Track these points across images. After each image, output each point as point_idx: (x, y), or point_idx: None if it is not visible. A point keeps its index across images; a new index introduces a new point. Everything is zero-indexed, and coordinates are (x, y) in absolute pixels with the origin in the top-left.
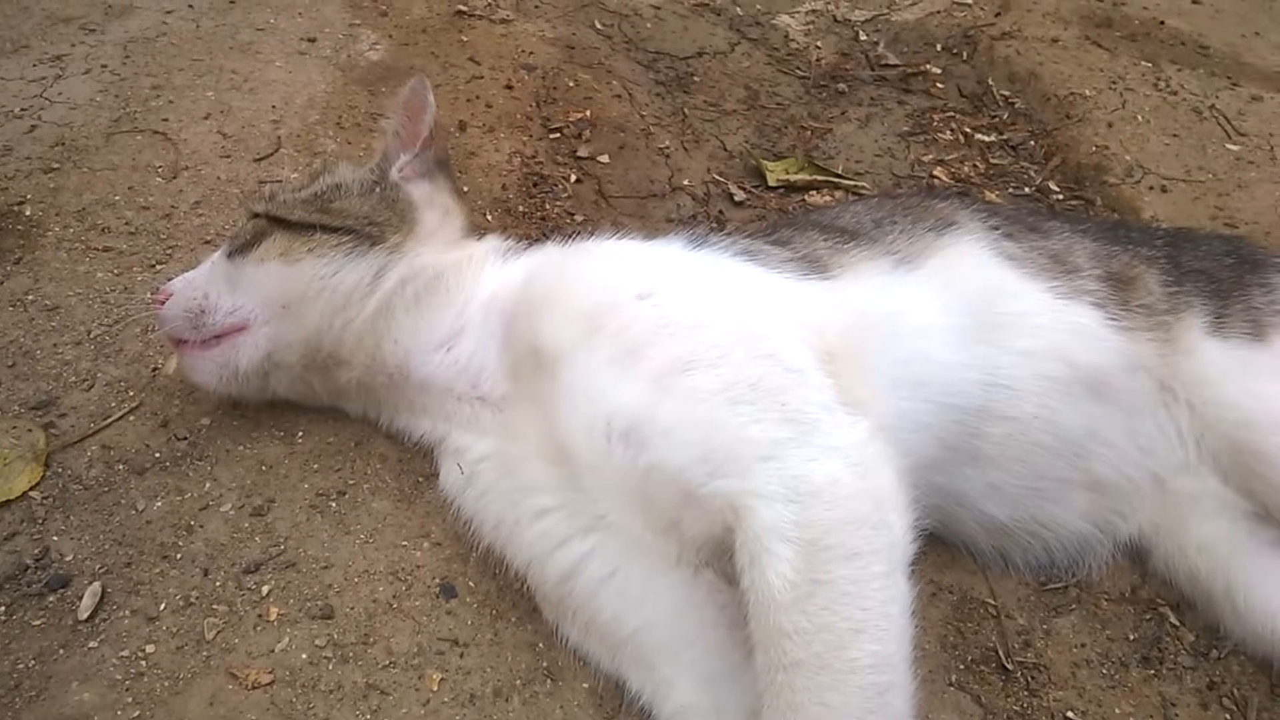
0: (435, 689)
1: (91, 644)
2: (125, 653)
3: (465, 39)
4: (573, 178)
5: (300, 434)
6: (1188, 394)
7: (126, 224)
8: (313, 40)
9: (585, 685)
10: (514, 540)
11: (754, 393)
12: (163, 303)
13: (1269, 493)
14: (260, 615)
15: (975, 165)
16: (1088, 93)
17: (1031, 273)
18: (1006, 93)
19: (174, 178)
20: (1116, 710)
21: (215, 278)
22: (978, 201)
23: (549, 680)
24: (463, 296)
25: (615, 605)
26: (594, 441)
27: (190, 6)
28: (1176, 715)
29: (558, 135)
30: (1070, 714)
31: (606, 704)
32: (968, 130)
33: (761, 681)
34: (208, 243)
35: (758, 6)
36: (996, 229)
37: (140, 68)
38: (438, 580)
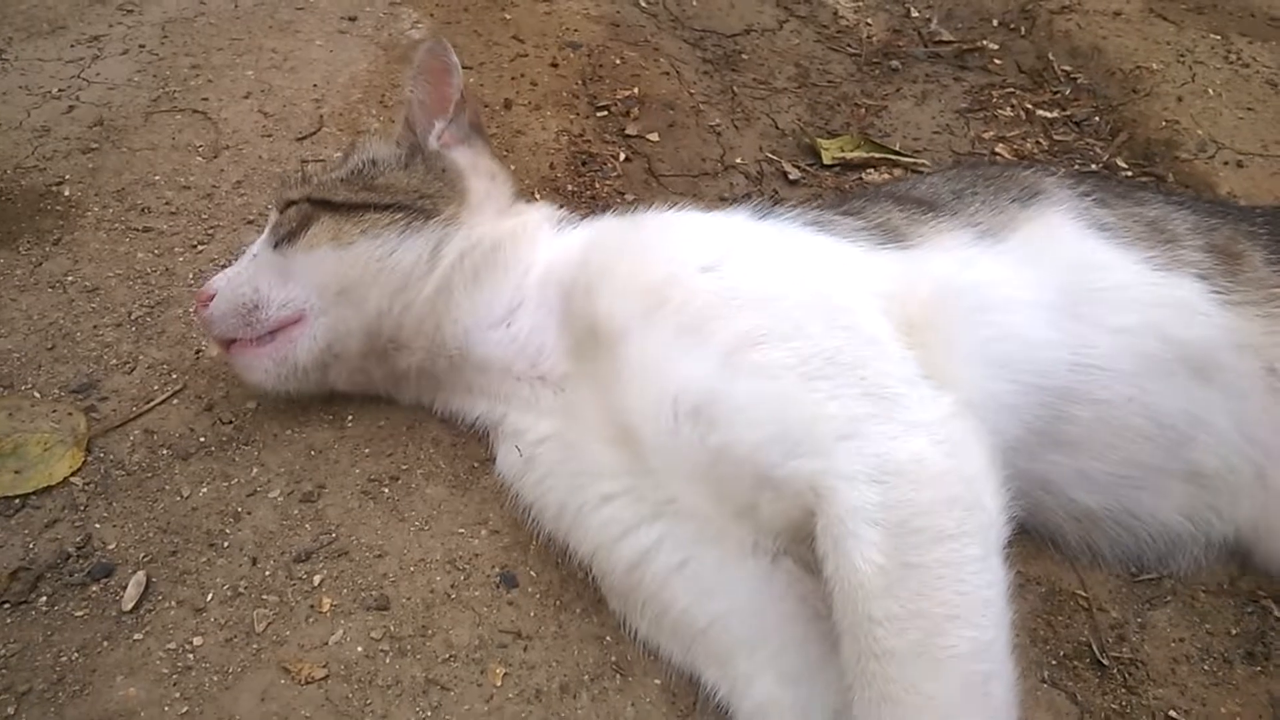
0: (499, 684)
1: (136, 636)
2: (172, 645)
3: (508, 17)
4: (622, 156)
5: (350, 418)
6: None
7: (167, 204)
8: (353, 19)
9: (656, 681)
10: (577, 528)
11: (831, 366)
12: (206, 304)
13: None
14: (312, 606)
15: (1038, 142)
16: (1154, 66)
17: (1127, 242)
18: (1068, 68)
19: (215, 157)
20: (1222, 709)
21: (262, 270)
22: (1064, 169)
23: (618, 675)
24: (520, 268)
25: (687, 597)
26: (660, 421)
27: None
28: None
29: (605, 113)
30: (1173, 713)
31: (680, 701)
32: (1029, 106)
33: (850, 672)
34: (250, 222)
35: None
36: (1087, 195)
37: (179, 47)
38: (497, 569)
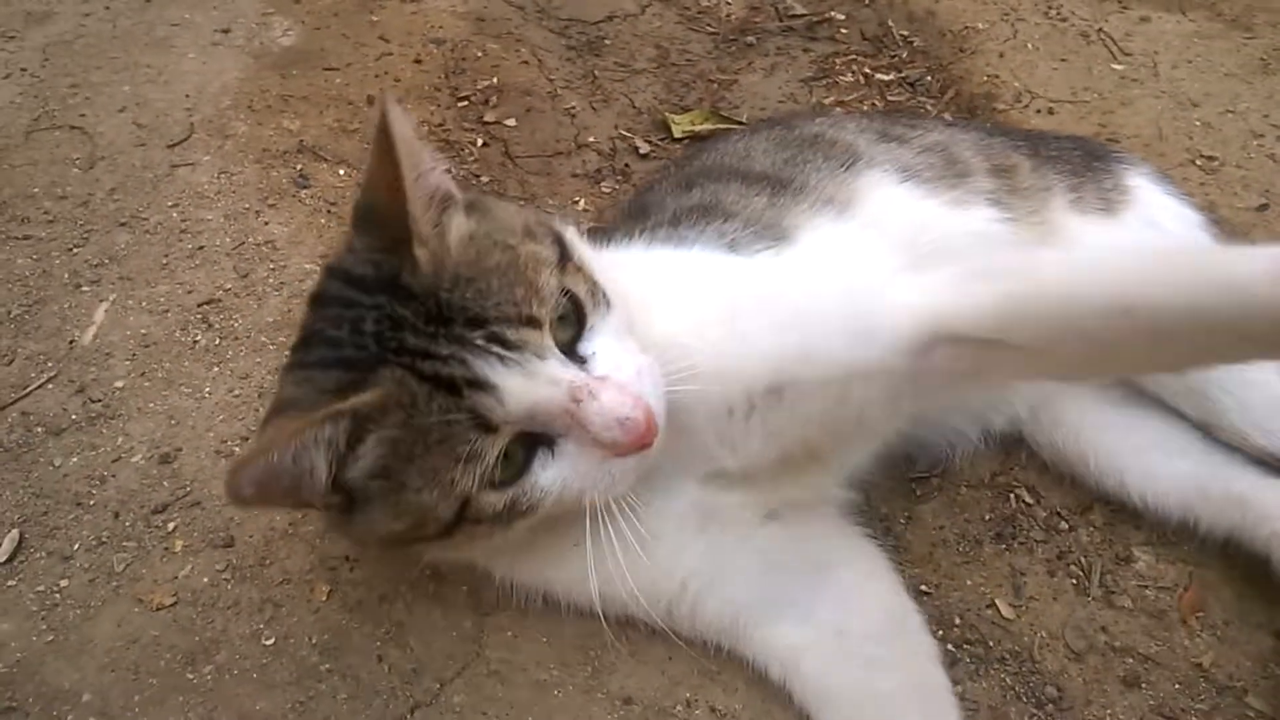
0: (325, 599)
1: (10, 583)
2: (40, 588)
3: (376, 19)
4: (479, 141)
5: (208, 389)
6: None
7: (45, 213)
8: (226, 31)
9: (465, 588)
10: None
11: None
12: None
13: None
14: (166, 548)
15: (874, 103)
16: (980, 26)
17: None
18: (905, 32)
19: (91, 168)
20: (968, 581)
21: None
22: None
23: (431, 584)
24: None
25: None
26: None
27: (107, 8)
28: (1025, 583)
29: (465, 103)
30: (924, 587)
31: (484, 602)
32: (868, 71)
33: None
34: (123, 224)
35: None
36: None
37: (59, 69)
38: None
